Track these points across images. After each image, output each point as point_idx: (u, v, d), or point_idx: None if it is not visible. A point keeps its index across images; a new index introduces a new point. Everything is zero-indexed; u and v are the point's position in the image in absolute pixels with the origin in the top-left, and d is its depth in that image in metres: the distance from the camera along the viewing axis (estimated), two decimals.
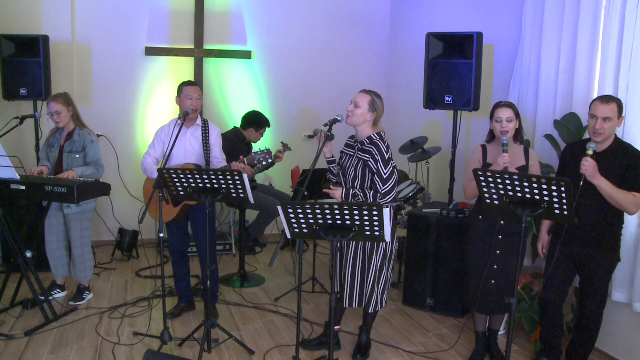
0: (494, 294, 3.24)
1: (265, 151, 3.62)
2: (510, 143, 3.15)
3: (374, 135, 3.24)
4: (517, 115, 3.18)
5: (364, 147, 3.23)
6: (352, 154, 3.30)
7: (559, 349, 3.27)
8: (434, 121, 5.28)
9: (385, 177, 3.15)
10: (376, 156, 3.16)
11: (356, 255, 3.25)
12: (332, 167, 3.42)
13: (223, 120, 5.69)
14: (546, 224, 3.33)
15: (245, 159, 3.61)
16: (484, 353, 3.45)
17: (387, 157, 3.18)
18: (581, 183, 2.83)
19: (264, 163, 3.58)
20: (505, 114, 3.14)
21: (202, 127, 3.76)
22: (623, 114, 2.97)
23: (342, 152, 3.42)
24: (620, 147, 2.98)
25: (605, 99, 2.92)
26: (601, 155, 2.96)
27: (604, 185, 2.88)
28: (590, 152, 2.88)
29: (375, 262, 3.25)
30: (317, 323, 3.90)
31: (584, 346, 3.20)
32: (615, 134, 3.02)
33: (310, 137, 3.91)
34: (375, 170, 3.16)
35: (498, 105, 3.21)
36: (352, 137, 3.39)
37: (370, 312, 3.34)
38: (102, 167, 4.05)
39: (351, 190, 3.19)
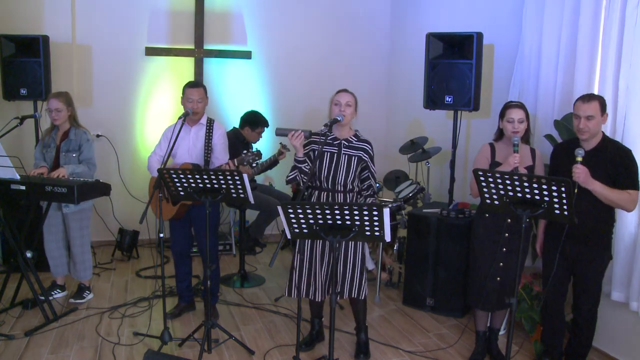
0: (499, 291, 3.24)
1: (255, 152, 3.61)
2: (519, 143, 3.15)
3: (358, 132, 3.38)
4: (528, 116, 3.18)
5: (352, 144, 3.30)
6: (335, 151, 3.29)
7: (560, 349, 3.27)
8: (434, 121, 5.28)
9: (375, 169, 3.37)
10: (370, 152, 3.32)
11: (356, 248, 3.30)
12: (304, 166, 3.26)
13: (223, 120, 5.68)
14: (543, 224, 3.32)
15: (235, 160, 3.62)
16: (484, 353, 3.45)
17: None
18: (575, 190, 2.81)
19: (254, 164, 3.57)
20: (517, 114, 3.14)
21: (207, 126, 3.76)
22: (607, 111, 2.98)
23: (313, 151, 3.32)
24: (608, 144, 2.99)
25: (587, 98, 2.95)
26: (590, 154, 2.96)
27: (599, 189, 2.88)
28: (579, 159, 2.87)
29: (364, 251, 3.36)
30: None
31: (581, 345, 3.20)
32: (603, 132, 3.02)
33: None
34: (370, 166, 3.32)
35: (510, 105, 3.20)
36: (316, 134, 3.33)
37: (362, 298, 3.33)
38: (94, 165, 4.03)
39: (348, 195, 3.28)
